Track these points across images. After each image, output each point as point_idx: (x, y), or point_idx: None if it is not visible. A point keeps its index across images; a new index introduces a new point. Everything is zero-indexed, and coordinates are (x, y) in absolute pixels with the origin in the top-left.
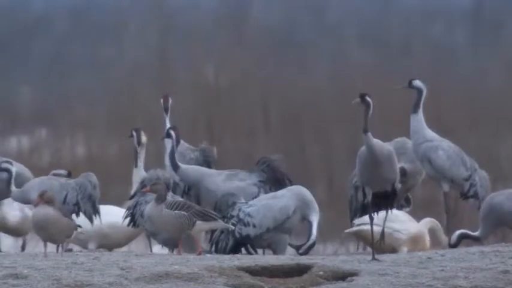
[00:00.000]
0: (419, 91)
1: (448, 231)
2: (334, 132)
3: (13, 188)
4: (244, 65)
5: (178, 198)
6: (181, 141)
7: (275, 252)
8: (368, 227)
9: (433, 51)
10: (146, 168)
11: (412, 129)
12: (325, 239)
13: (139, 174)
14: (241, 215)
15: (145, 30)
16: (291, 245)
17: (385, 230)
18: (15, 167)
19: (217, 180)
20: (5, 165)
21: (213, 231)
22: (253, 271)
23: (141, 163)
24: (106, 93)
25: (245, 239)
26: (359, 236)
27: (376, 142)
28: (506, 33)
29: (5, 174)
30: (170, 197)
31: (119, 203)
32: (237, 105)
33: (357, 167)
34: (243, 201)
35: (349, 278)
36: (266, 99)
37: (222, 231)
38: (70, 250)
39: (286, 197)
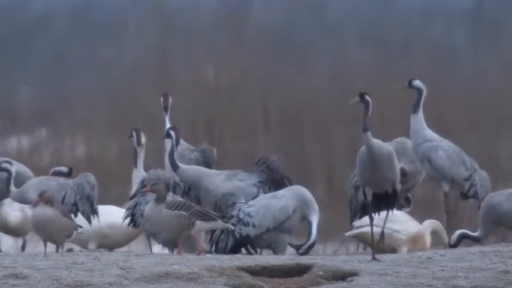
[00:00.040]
0: (419, 91)
1: (448, 231)
2: (334, 132)
3: (12, 188)
4: (244, 65)
5: (179, 198)
6: (182, 141)
7: (275, 252)
8: (368, 228)
9: (433, 51)
10: (146, 168)
11: (412, 129)
12: (325, 239)
13: (138, 174)
14: (241, 215)
15: (145, 30)
16: (291, 245)
17: (385, 230)
18: (17, 167)
19: (217, 180)
20: (4, 165)
21: (213, 231)
22: (253, 271)
23: (140, 163)
24: (106, 93)
25: (245, 239)
26: (360, 239)
27: (376, 142)
28: (506, 33)
29: (4, 174)
30: (170, 197)
31: (119, 203)
32: (237, 105)
33: (357, 166)
34: (243, 201)
35: (349, 278)
36: (266, 99)
37: (222, 231)
38: (70, 250)
39: (286, 197)
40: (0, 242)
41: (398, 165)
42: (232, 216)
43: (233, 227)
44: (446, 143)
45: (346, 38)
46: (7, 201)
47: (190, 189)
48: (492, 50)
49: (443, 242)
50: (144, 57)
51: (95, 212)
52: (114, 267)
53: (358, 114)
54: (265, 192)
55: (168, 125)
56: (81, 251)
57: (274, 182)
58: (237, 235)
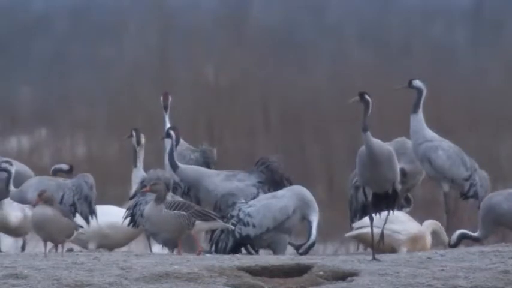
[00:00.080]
0: (419, 91)
1: (448, 231)
2: (334, 132)
3: (12, 187)
4: (244, 65)
5: (179, 199)
6: (182, 141)
7: (275, 252)
8: (367, 229)
9: (433, 51)
10: (146, 168)
11: (412, 129)
12: (325, 239)
13: (138, 174)
14: (241, 215)
15: (145, 30)
16: (291, 244)
17: (385, 231)
18: (18, 167)
19: (216, 180)
20: (4, 165)
21: (213, 231)
22: (253, 271)
23: (140, 163)
24: (106, 93)
25: (245, 239)
26: (359, 239)
27: (376, 142)
28: (506, 33)
29: (4, 174)
30: (170, 197)
31: (118, 203)
32: (237, 105)
33: (357, 166)
34: (242, 201)
35: (349, 278)
36: (266, 99)
37: (222, 231)
38: (71, 250)
39: (286, 197)
40: (0, 242)
41: (398, 165)
42: (232, 216)
43: (233, 227)
44: (446, 143)
45: (346, 38)
46: (7, 201)
47: (190, 190)
48: (492, 50)
49: (443, 242)
50: (144, 57)
51: (93, 212)
52: (114, 267)
53: (358, 114)
54: (264, 193)
55: (168, 125)
56: (81, 251)
57: (273, 182)
58: (237, 235)
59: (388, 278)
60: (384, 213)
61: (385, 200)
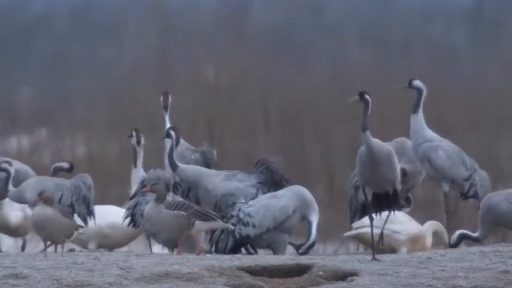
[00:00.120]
0: (419, 91)
1: (448, 231)
2: (334, 132)
3: (11, 187)
4: (244, 65)
5: (179, 199)
6: (182, 141)
7: (275, 252)
8: (366, 229)
9: (433, 51)
10: (146, 168)
11: (412, 129)
12: (325, 239)
13: (138, 174)
14: (241, 215)
15: (145, 30)
16: (291, 244)
17: (385, 231)
18: (20, 167)
19: (216, 180)
20: (4, 165)
21: (213, 231)
22: (253, 271)
23: (140, 163)
24: (106, 93)
25: (245, 239)
26: (358, 239)
27: (376, 141)
28: (506, 33)
29: (3, 174)
30: (171, 197)
31: (119, 203)
32: (237, 105)
33: (357, 166)
34: (242, 201)
35: (349, 278)
36: (266, 99)
37: (222, 231)
38: (72, 250)
39: (286, 197)
40: (0, 242)
41: (398, 165)
42: (232, 216)
43: (233, 227)
44: (446, 143)
45: (346, 38)
46: (7, 201)
47: (190, 190)
48: (492, 50)
49: (445, 242)
50: (144, 57)
51: (91, 213)
52: (114, 267)
53: (358, 114)
54: (264, 194)
55: (168, 125)
56: (81, 251)
57: (273, 183)
58: (237, 235)
59: (388, 278)
60: (384, 213)
61: (386, 201)
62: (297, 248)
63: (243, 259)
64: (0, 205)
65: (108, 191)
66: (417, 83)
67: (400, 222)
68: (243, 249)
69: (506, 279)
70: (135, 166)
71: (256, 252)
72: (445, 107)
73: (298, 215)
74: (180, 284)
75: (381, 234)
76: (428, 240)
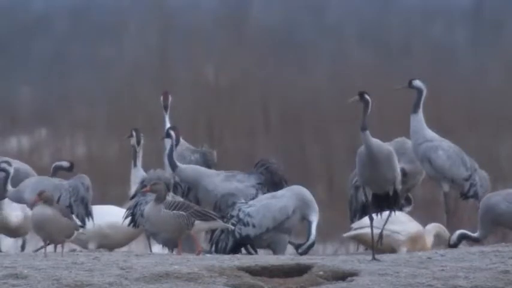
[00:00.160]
0: (419, 91)
1: (448, 231)
2: (334, 132)
3: (9, 187)
4: (244, 65)
5: (179, 199)
6: (182, 141)
7: (275, 252)
8: (365, 230)
9: (433, 51)
10: (146, 168)
11: (412, 129)
12: (325, 239)
13: (138, 174)
14: (241, 215)
15: (145, 30)
16: (291, 243)
17: (384, 231)
18: (20, 166)
19: (216, 180)
20: (2, 165)
21: (213, 231)
22: (253, 271)
23: (139, 163)
24: (106, 93)
25: (245, 239)
26: (358, 240)
27: (375, 141)
28: (506, 33)
29: (2, 174)
30: (171, 197)
31: (119, 203)
32: (237, 105)
33: (357, 166)
34: (242, 201)
35: (349, 278)
36: (266, 99)
37: (222, 231)
38: (74, 250)
39: (286, 197)
40: (0, 242)
41: (398, 166)
42: (232, 216)
43: (232, 227)
44: (446, 143)
45: (346, 38)
46: (7, 201)
47: (190, 191)
48: (492, 50)
49: (446, 244)
50: (144, 57)
51: (89, 214)
52: (114, 267)
53: (358, 114)
54: (263, 194)
55: (168, 125)
56: (81, 251)
57: (273, 184)
58: (237, 235)
59: (388, 278)
60: (385, 214)
61: (386, 201)
62: (297, 247)
63: (243, 259)
64: (0, 205)
65: (108, 191)
66: (417, 83)
67: (400, 223)
68: (243, 249)
69: (506, 279)
70: (135, 166)
71: (256, 252)
72: (445, 107)
73: (298, 215)
74: (180, 284)
75: (380, 235)
76: (429, 241)
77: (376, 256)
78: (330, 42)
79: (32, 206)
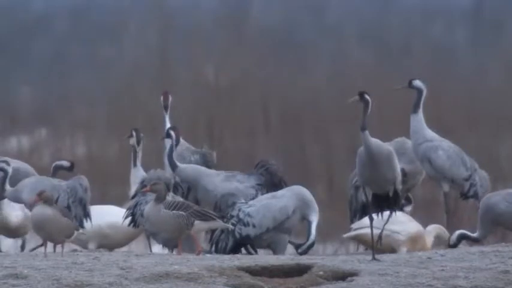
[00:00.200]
0: (419, 91)
1: (448, 231)
2: (334, 132)
3: (7, 187)
4: (244, 65)
5: (179, 199)
6: (182, 141)
7: (275, 252)
8: (365, 230)
9: (433, 51)
10: (146, 168)
11: (412, 129)
12: (325, 239)
13: (138, 174)
14: (241, 215)
15: (145, 30)
16: (291, 243)
17: (384, 232)
18: (20, 166)
19: (216, 180)
20: (1, 165)
21: (213, 231)
22: (253, 271)
23: (139, 163)
24: (106, 93)
25: (245, 239)
26: (358, 240)
27: (375, 141)
28: (506, 33)
29: (0, 174)
30: (171, 197)
31: (119, 203)
32: (237, 105)
33: (357, 166)
34: (242, 201)
35: (349, 278)
36: (266, 99)
37: (222, 231)
38: (75, 251)
39: (286, 197)
40: (0, 242)
41: (398, 166)
42: (232, 216)
43: (232, 227)
44: (446, 143)
45: (346, 38)
46: (6, 201)
47: (190, 191)
48: (492, 50)
49: (446, 244)
50: (144, 57)
51: (87, 215)
52: (114, 267)
53: (358, 114)
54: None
55: (168, 125)
56: (81, 251)
57: (272, 185)
58: (237, 235)
59: (388, 278)
60: (385, 214)
61: (386, 201)
62: (297, 247)
63: (243, 259)
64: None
65: (108, 191)
66: (417, 83)
67: (400, 223)
68: (243, 249)
69: (506, 279)
70: (135, 166)
71: (256, 252)
72: (445, 107)
73: (298, 215)
74: (180, 284)
75: (380, 236)
76: (429, 241)
77: (376, 256)
78: (330, 42)
79: (29, 206)
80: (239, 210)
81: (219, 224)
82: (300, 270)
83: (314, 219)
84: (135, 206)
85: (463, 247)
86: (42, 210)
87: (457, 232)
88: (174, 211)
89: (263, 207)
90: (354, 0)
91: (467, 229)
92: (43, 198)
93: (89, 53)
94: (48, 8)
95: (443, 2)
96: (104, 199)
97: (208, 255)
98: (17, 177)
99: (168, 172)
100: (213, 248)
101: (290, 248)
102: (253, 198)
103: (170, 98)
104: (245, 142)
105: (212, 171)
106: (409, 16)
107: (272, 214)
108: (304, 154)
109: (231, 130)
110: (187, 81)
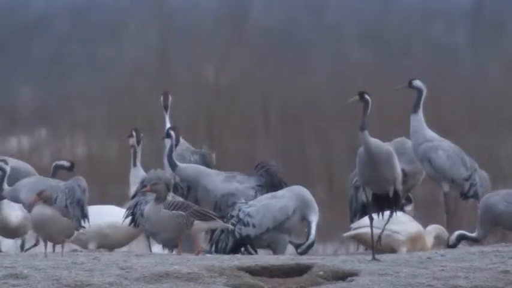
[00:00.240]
0: (419, 91)
1: (448, 231)
2: (334, 132)
3: (5, 186)
4: (244, 65)
5: (179, 199)
6: (182, 141)
7: (275, 252)
8: (365, 229)
9: (433, 51)
10: (146, 168)
11: (412, 129)
12: (325, 239)
13: (138, 174)
14: (241, 215)
15: (145, 30)
16: (291, 243)
17: (384, 231)
18: (20, 165)
19: (216, 180)
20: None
21: (213, 231)
22: (253, 271)
23: (138, 162)
24: (106, 93)
25: (245, 239)
26: (357, 239)
27: (374, 141)
28: (506, 33)
29: None
30: (171, 197)
31: (119, 203)
32: (237, 105)
33: (357, 166)
34: (242, 201)
35: (349, 278)
36: (266, 99)
37: (222, 231)
38: (75, 251)
39: (286, 197)
40: (0, 242)
41: (398, 166)
42: (232, 216)
43: (232, 227)
44: (446, 143)
45: (346, 38)
46: (6, 202)
47: (190, 191)
48: (492, 50)
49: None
50: (144, 57)
51: (85, 216)
52: (114, 267)
53: (358, 114)
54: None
55: (168, 125)
56: (81, 251)
57: (272, 186)
58: (237, 235)
59: (388, 278)
60: (385, 214)
61: (386, 201)
62: (297, 247)
63: (243, 259)
64: None
65: (108, 191)
66: (417, 83)
67: (400, 223)
68: (243, 249)
69: (506, 279)
70: (135, 166)
71: (256, 252)
72: (445, 107)
73: (298, 215)
74: (180, 284)
75: (379, 236)
76: (429, 241)
77: (376, 256)
78: (330, 42)
79: (27, 206)
80: (239, 210)
81: (219, 224)
82: (300, 270)
83: (314, 219)
84: (135, 206)
85: (463, 247)
86: (42, 210)
87: (456, 233)
88: (174, 211)
89: (263, 207)
90: (354, 0)
91: (467, 229)
92: (43, 197)
93: (89, 53)
94: (48, 8)
95: (443, 2)
96: (104, 199)
97: (208, 255)
98: (17, 177)
99: (168, 172)
100: (213, 248)
101: (290, 248)
102: (252, 199)
103: (170, 98)
104: (245, 142)
105: (212, 171)
106: (409, 16)
107: (272, 214)
108: (304, 154)
109: (231, 130)
110: (187, 81)
